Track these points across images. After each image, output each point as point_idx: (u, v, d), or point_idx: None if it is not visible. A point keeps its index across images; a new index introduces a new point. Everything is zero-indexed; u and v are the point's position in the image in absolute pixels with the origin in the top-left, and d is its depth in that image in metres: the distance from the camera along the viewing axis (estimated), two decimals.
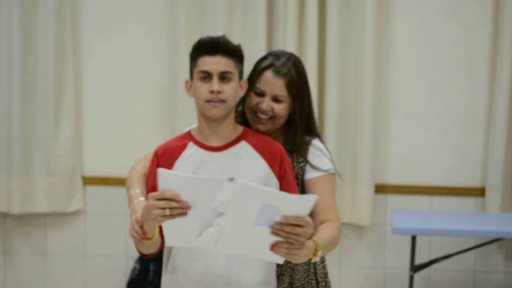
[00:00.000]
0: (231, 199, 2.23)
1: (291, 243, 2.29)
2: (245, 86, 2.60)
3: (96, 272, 4.97)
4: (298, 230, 2.27)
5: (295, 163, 2.68)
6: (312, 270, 2.74)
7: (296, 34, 4.61)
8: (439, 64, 4.70)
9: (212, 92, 2.48)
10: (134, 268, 4.83)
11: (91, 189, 4.94)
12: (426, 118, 4.73)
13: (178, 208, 2.27)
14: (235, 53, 2.53)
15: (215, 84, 2.48)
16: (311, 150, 2.69)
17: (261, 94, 2.66)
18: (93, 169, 4.94)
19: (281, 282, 2.69)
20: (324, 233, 2.53)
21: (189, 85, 2.58)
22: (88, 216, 4.96)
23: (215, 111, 2.51)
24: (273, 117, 2.65)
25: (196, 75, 2.52)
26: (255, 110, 2.66)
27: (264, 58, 2.70)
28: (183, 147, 2.58)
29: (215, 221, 2.28)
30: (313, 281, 2.73)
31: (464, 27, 4.66)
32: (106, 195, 4.92)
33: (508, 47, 4.51)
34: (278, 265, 2.67)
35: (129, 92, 4.87)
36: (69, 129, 4.84)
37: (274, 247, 2.29)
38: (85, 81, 4.90)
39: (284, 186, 2.56)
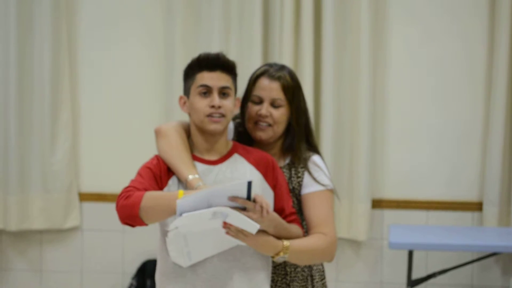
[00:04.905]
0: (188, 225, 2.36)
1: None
2: (238, 103, 2.62)
3: None
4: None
5: (293, 178, 2.68)
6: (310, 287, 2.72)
7: (291, 48, 4.61)
8: (435, 79, 4.71)
9: (212, 106, 2.50)
10: (131, 285, 4.81)
11: (88, 206, 4.93)
12: (422, 132, 4.73)
13: None
14: (233, 70, 2.57)
15: (216, 99, 2.51)
16: (310, 165, 2.70)
17: (259, 102, 2.68)
18: (90, 186, 4.93)
19: None
20: (305, 241, 2.56)
21: (184, 101, 2.60)
22: (84, 232, 4.94)
23: (216, 126, 2.53)
24: (271, 125, 2.67)
25: (195, 90, 2.53)
26: (255, 120, 2.68)
27: (257, 69, 2.75)
28: None
29: (183, 245, 2.41)
30: None
31: (461, 44, 4.67)
32: (102, 211, 4.91)
33: (503, 63, 4.52)
34: (273, 281, 2.66)
35: (125, 108, 4.87)
36: (66, 146, 4.84)
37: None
38: (81, 97, 4.90)
39: (277, 194, 2.58)
